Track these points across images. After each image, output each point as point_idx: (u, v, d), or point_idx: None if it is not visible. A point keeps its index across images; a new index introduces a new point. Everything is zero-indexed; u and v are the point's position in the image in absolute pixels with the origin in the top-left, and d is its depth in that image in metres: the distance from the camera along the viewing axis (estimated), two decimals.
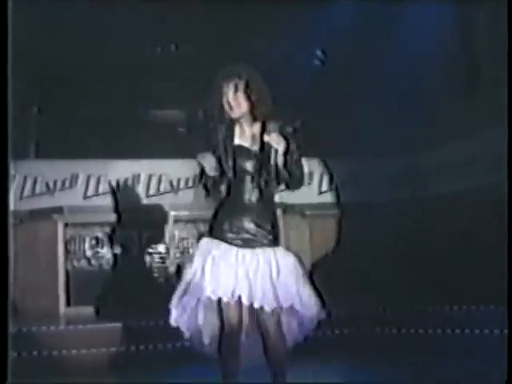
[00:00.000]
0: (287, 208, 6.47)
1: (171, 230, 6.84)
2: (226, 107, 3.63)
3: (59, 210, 6.67)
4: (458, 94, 7.21)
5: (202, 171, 3.60)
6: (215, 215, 3.65)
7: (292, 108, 7.23)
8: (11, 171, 6.27)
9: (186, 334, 3.65)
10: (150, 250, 6.81)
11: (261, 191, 3.60)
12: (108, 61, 8.47)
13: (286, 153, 3.51)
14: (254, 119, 3.66)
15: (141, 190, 6.99)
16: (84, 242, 6.75)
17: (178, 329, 3.62)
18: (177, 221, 6.85)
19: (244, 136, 3.67)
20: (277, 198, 3.75)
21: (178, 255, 6.74)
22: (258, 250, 3.55)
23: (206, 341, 3.65)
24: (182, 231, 6.88)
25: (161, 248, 6.83)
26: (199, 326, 3.65)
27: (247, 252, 3.54)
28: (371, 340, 5.40)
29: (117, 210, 6.79)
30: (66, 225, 6.66)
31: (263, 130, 3.63)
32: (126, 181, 6.97)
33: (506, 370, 3.55)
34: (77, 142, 8.42)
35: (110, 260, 6.73)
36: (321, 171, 7.27)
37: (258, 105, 3.62)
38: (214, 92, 3.65)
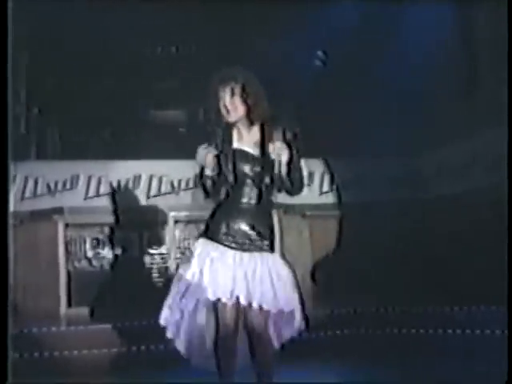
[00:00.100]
0: (288, 208, 6.48)
1: (172, 231, 6.85)
2: (223, 111, 3.62)
3: (60, 210, 6.67)
4: (458, 94, 7.21)
5: (202, 171, 3.61)
6: (212, 216, 3.66)
7: (291, 109, 7.26)
8: (12, 172, 6.28)
9: (169, 334, 3.63)
10: (151, 251, 6.82)
11: (259, 195, 3.60)
12: (108, 61, 8.48)
13: (289, 162, 3.51)
14: (251, 123, 3.65)
15: (142, 190, 6.99)
16: (85, 243, 6.76)
17: (164, 328, 3.61)
18: (177, 221, 6.85)
19: (242, 140, 3.67)
20: (277, 199, 3.75)
21: (178, 256, 6.74)
22: (255, 254, 3.56)
23: (208, 344, 3.65)
24: (182, 232, 6.89)
25: (162, 249, 6.84)
26: (201, 329, 3.66)
27: (245, 255, 3.55)
28: (372, 340, 5.40)
29: (116, 211, 6.79)
30: (67, 226, 6.66)
31: (263, 134, 3.64)
32: (126, 182, 6.97)
33: (506, 371, 3.56)
34: (78, 142, 8.45)
35: (110, 261, 6.74)
36: (321, 172, 7.27)
37: (255, 108, 3.61)
38: (211, 96, 3.64)
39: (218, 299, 3.50)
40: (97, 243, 6.77)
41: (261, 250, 3.58)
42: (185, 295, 3.57)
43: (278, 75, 7.32)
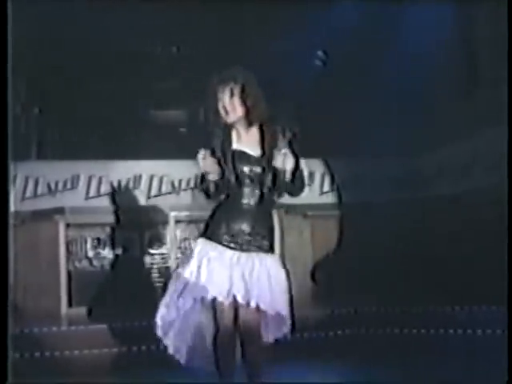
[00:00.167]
0: (289, 208, 6.48)
1: (172, 231, 6.85)
2: (222, 112, 3.61)
3: (61, 210, 6.67)
4: (458, 94, 7.22)
5: (203, 176, 3.59)
6: (212, 216, 3.65)
7: (291, 109, 7.27)
8: (13, 172, 6.29)
9: (159, 331, 3.60)
10: (152, 251, 6.82)
11: (260, 196, 3.60)
12: (109, 61, 8.49)
13: (295, 171, 3.50)
14: (250, 124, 3.64)
15: (142, 190, 7.00)
16: (86, 243, 6.77)
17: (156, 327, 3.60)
18: (178, 221, 6.86)
19: (241, 140, 3.66)
20: (279, 200, 3.75)
21: (179, 256, 6.74)
22: (254, 254, 3.56)
23: (208, 344, 3.66)
24: (183, 232, 6.90)
25: (162, 249, 6.84)
26: (198, 328, 3.66)
27: (243, 255, 3.54)
28: (372, 340, 5.40)
29: (116, 211, 6.80)
30: (68, 225, 6.66)
31: (261, 134, 3.64)
32: (127, 182, 6.98)
33: (506, 371, 3.56)
34: (78, 142, 8.45)
35: (111, 261, 6.75)
36: (322, 172, 7.27)
37: (254, 109, 3.60)
38: (209, 96, 3.63)
39: (215, 298, 3.50)
40: (98, 243, 6.78)
41: (260, 250, 3.58)
42: (182, 294, 3.56)
43: (278, 75, 7.33)
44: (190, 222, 6.83)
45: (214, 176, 3.53)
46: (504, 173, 4.37)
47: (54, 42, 8.08)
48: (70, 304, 6.51)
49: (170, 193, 7.06)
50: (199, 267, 3.51)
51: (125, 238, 6.77)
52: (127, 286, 6.39)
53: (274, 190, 3.60)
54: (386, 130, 7.03)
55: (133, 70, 8.65)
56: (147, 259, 6.80)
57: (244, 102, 3.59)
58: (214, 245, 3.56)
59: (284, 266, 3.66)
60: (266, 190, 3.59)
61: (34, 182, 6.80)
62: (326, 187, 7.31)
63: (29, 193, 6.79)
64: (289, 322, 3.60)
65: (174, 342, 3.63)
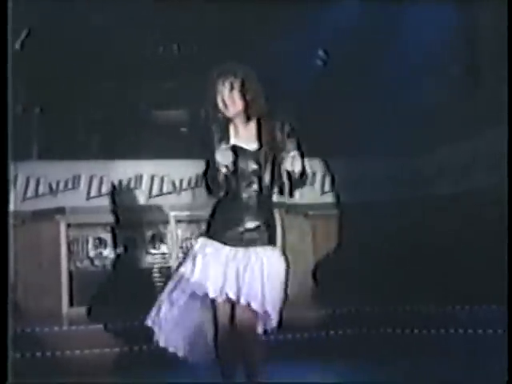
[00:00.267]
0: (290, 208, 6.49)
1: (173, 231, 6.86)
2: (221, 105, 3.62)
3: (62, 210, 6.68)
4: (458, 94, 7.22)
5: (207, 168, 3.58)
6: (212, 214, 3.67)
7: (291, 109, 7.27)
8: (14, 172, 6.30)
9: (149, 321, 3.63)
10: (153, 251, 6.83)
11: (259, 191, 3.61)
12: (109, 61, 8.48)
13: (302, 173, 3.52)
14: (248, 118, 3.66)
15: (143, 190, 7.00)
16: (87, 243, 6.77)
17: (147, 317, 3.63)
18: (179, 221, 6.87)
19: (238, 135, 3.66)
20: (279, 198, 3.76)
21: (180, 255, 6.75)
22: (251, 249, 3.56)
23: (208, 340, 3.66)
24: (184, 231, 6.91)
25: (163, 248, 6.85)
26: (203, 325, 3.67)
27: (240, 250, 3.55)
28: (373, 340, 5.41)
29: (116, 211, 6.80)
30: (69, 225, 6.67)
31: (259, 129, 3.64)
32: (128, 182, 6.98)
33: (506, 370, 3.57)
34: (79, 142, 8.44)
35: (112, 260, 6.75)
36: (323, 172, 7.28)
37: (253, 104, 3.62)
38: (209, 90, 3.64)
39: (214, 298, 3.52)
40: (99, 243, 6.79)
41: (260, 244, 3.58)
42: (176, 289, 3.59)
43: (278, 75, 7.32)
44: (191, 221, 6.84)
45: (226, 170, 3.53)
46: (504, 173, 4.37)
47: (54, 41, 8.07)
48: (71, 304, 6.51)
49: (170, 192, 7.07)
50: (194, 264, 3.54)
51: (126, 237, 6.78)
52: (128, 286, 6.39)
53: (272, 182, 3.60)
54: (386, 129, 7.02)
55: (133, 70, 8.64)
56: (148, 259, 6.82)
57: (244, 96, 3.61)
58: (212, 242, 3.57)
59: (285, 257, 3.65)
60: (264, 184, 3.60)
61: (35, 181, 6.81)
62: (327, 187, 7.31)
63: (30, 193, 6.79)
64: (275, 320, 3.59)
65: (168, 335, 3.64)
